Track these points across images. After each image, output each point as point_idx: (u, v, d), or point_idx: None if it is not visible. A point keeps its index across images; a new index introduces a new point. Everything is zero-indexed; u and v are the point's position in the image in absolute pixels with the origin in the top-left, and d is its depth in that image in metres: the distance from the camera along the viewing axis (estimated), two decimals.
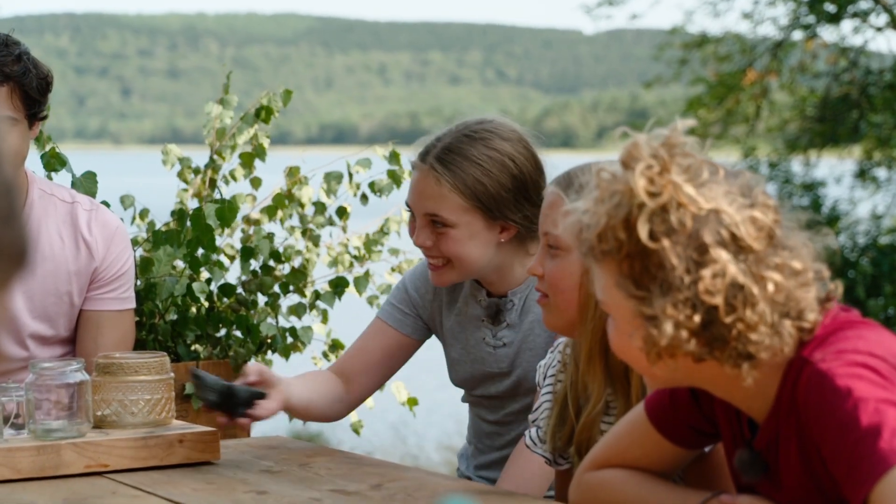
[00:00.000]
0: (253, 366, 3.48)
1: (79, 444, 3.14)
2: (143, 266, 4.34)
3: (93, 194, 4.20)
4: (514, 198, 3.37)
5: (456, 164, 3.33)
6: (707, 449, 2.52)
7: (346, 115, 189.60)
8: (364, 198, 4.92)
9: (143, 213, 4.78)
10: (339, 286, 4.69)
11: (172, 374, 3.37)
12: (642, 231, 2.10)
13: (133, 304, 3.93)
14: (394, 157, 4.90)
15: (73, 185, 4.26)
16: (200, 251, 4.35)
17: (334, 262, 4.88)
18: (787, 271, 2.14)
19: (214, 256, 4.49)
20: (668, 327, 2.09)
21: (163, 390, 3.31)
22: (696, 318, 2.10)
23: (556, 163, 3.36)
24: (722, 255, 2.10)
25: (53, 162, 4.35)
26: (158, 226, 4.57)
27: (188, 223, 4.36)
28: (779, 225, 2.16)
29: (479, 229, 3.36)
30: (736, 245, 2.11)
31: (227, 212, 4.40)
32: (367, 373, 3.63)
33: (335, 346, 4.77)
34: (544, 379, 3.00)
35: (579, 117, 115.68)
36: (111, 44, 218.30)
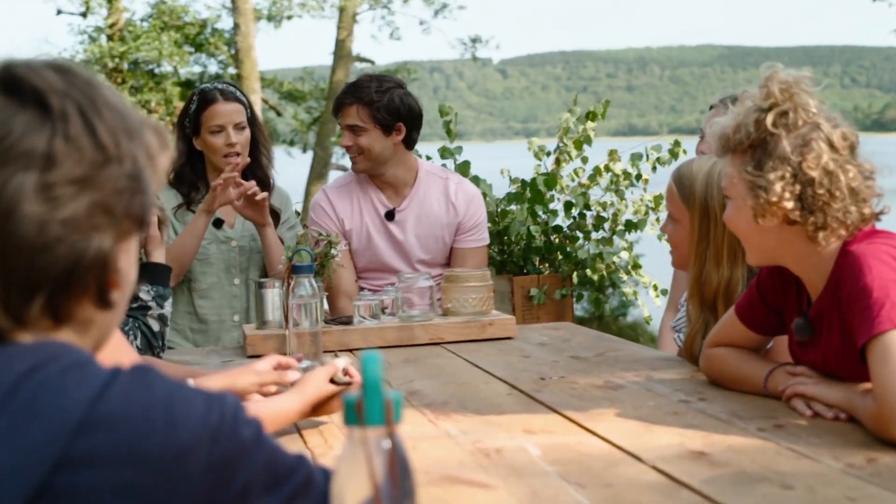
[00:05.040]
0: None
1: (426, 325, 3.28)
2: (503, 214, 4.46)
3: (464, 175, 4.32)
4: None
5: None
6: (770, 346, 2.45)
7: None
8: (654, 168, 4.88)
9: (515, 180, 4.90)
10: (630, 226, 4.67)
11: (491, 282, 3.44)
12: (769, 120, 2.08)
13: (486, 243, 3.93)
14: (676, 144, 4.84)
15: (456, 168, 4.43)
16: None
17: (636, 211, 4.86)
18: (862, 171, 2.08)
19: (552, 206, 4.57)
20: (777, 188, 2.05)
21: (485, 291, 3.40)
22: (797, 187, 2.05)
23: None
24: (821, 146, 2.06)
25: (446, 154, 4.51)
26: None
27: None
28: (858, 145, 2.10)
29: None
30: (830, 145, 2.07)
31: (551, 180, 4.46)
32: None
33: (635, 265, 4.76)
34: (681, 307, 3.00)
35: None
36: (589, 70, 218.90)
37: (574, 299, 4.62)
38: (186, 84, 19.70)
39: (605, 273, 4.59)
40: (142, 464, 1.05)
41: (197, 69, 20.87)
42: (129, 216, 1.15)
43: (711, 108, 3.48)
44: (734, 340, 2.40)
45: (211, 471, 1.09)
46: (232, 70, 19.90)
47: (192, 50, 20.38)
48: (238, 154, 3.69)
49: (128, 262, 1.19)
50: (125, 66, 19.38)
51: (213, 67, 20.97)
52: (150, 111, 19.34)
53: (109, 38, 19.56)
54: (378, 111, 3.72)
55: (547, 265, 4.50)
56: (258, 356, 3.13)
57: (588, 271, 4.56)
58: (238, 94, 3.73)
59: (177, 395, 1.11)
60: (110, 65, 19.15)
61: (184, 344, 3.69)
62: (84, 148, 1.13)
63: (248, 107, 3.75)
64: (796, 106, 2.10)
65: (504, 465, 1.87)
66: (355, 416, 1.11)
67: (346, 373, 2.15)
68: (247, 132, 3.71)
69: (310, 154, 21.04)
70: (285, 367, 2.26)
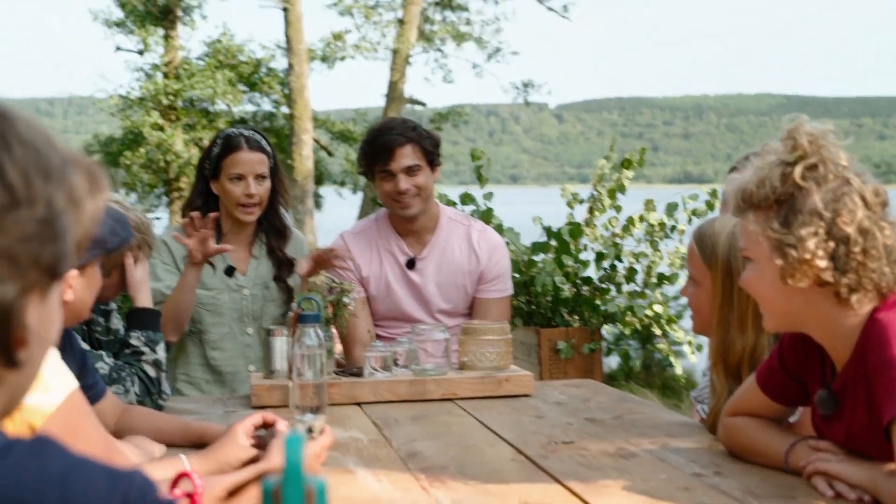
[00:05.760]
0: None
1: (439, 380, 3.14)
2: (529, 264, 4.32)
3: (487, 222, 4.19)
4: None
5: None
6: (793, 420, 2.29)
7: None
8: (690, 220, 4.72)
9: (547, 229, 4.76)
10: (663, 279, 4.51)
11: (510, 336, 3.30)
12: (797, 173, 1.91)
13: (509, 293, 3.79)
14: (713, 194, 4.68)
15: (477, 215, 4.29)
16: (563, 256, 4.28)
17: (671, 264, 4.70)
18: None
19: (583, 256, 4.42)
20: (810, 244, 1.88)
21: (503, 346, 3.25)
22: (831, 244, 1.89)
23: None
24: (855, 201, 1.90)
25: (466, 199, 4.39)
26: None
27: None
28: (888, 202, 1.94)
29: None
30: (863, 201, 1.90)
31: (576, 230, 4.32)
32: None
33: (670, 320, 4.59)
34: (703, 375, 2.84)
35: None
36: (645, 117, 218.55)
37: (603, 354, 4.45)
38: (240, 122, 19.80)
39: (638, 327, 4.43)
40: None
41: (250, 108, 21.01)
42: (36, 266, 1.03)
43: (733, 169, 3.28)
44: (754, 409, 2.23)
45: None
46: (285, 109, 19.99)
47: (246, 89, 20.51)
48: (257, 205, 3.58)
49: (42, 317, 1.07)
50: (179, 103, 19.54)
51: (266, 106, 21.11)
52: (202, 149, 19.46)
53: (165, 75, 19.75)
54: (428, 147, 3.64)
55: (576, 318, 4.34)
56: (263, 407, 3.01)
57: (619, 325, 4.40)
58: (263, 143, 3.62)
59: (76, 472, 0.98)
60: (165, 102, 19.31)
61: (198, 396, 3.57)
62: None
63: (272, 156, 3.64)
64: (825, 159, 1.94)
65: None
66: None
67: (310, 430, 2.02)
68: (267, 183, 3.60)
69: (360, 195, 21.05)
70: (270, 423, 2.14)
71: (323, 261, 3.48)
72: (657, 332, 4.48)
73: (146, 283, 3.00)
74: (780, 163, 1.96)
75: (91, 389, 2.55)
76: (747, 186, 1.99)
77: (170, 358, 3.68)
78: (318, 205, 21.29)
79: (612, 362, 9.01)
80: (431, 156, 3.65)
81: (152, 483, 1.02)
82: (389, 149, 3.60)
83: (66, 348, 2.43)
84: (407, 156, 3.60)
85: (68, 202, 1.06)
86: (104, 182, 1.15)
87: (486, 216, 4.30)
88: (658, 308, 4.47)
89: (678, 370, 4.83)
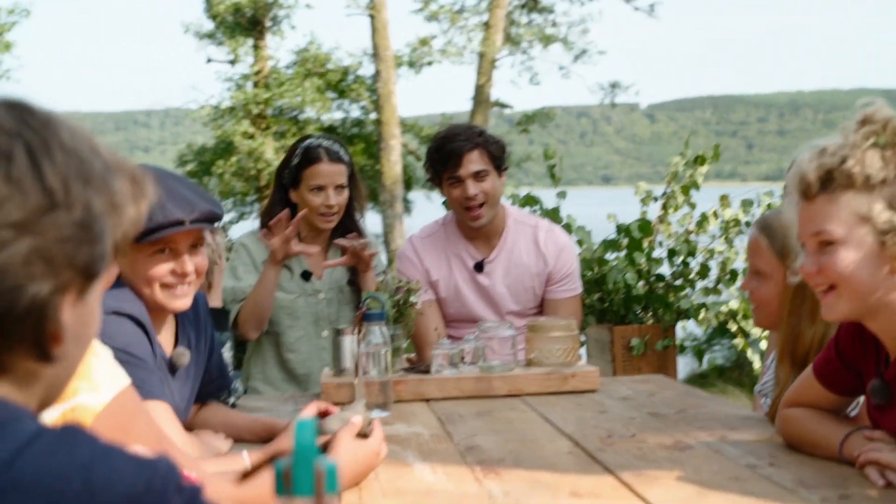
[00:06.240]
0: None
1: (505, 377, 3.16)
2: (600, 262, 4.31)
3: (557, 221, 4.18)
4: None
5: None
6: (854, 413, 2.27)
7: None
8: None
9: (619, 226, 4.74)
10: (736, 275, 4.47)
11: (577, 332, 3.31)
12: None
13: (578, 292, 3.79)
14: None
15: (544, 214, 4.28)
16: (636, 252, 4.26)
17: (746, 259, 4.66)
18: None
19: (656, 253, 4.40)
20: None
21: (570, 342, 3.26)
22: None
23: None
24: None
25: (529, 201, 4.38)
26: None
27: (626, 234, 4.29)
28: None
29: None
30: None
31: (645, 226, 4.30)
32: None
33: (745, 315, 4.54)
34: (766, 370, 2.81)
35: None
36: (739, 114, 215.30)
37: (677, 350, 4.43)
38: (329, 130, 20.04)
39: (713, 323, 4.39)
40: None
41: (339, 115, 21.24)
42: (71, 266, 1.09)
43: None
44: (811, 400, 2.22)
45: None
46: (373, 115, 20.18)
47: (335, 96, 20.72)
48: (335, 214, 3.65)
49: (78, 316, 1.12)
50: (269, 111, 19.84)
51: (354, 113, 21.31)
52: None
53: (255, 84, 20.07)
54: (495, 152, 3.66)
55: (649, 314, 4.33)
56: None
57: (693, 321, 4.37)
58: (342, 153, 3.67)
59: (101, 459, 1.03)
60: (255, 111, 19.63)
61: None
62: (28, 191, 1.07)
63: (350, 165, 3.70)
64: None
65: None
66: (283, 485, 1.03)
67: (370, 423, 2.07)
68: (346, 193, 3.67)
69: None
70: (324, 413, 2.19)
71: (356, 253, 3.54)
72: (732, 328, 4.45)
73: (213, 285, 3.08)
74: (873, 145, 1.91)
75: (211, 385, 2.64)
76: (842, 167, 1.90)
77: (246, 357, 3.77)
78: (407, 209, 21.42)
79: (702, 361, 8.93)
80: (498, 161, 3.67)
81: (177, 470, 1.07)
82: (458, 154, 3.63)
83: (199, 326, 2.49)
84: (474, 161, 3.63)
85: (108, 207, 1.12)
86: (148, 188, 1.20)
87: (554, 216, 4.31)
88: (734, 304, 4.44)
89: (756, 365, 4.77)
